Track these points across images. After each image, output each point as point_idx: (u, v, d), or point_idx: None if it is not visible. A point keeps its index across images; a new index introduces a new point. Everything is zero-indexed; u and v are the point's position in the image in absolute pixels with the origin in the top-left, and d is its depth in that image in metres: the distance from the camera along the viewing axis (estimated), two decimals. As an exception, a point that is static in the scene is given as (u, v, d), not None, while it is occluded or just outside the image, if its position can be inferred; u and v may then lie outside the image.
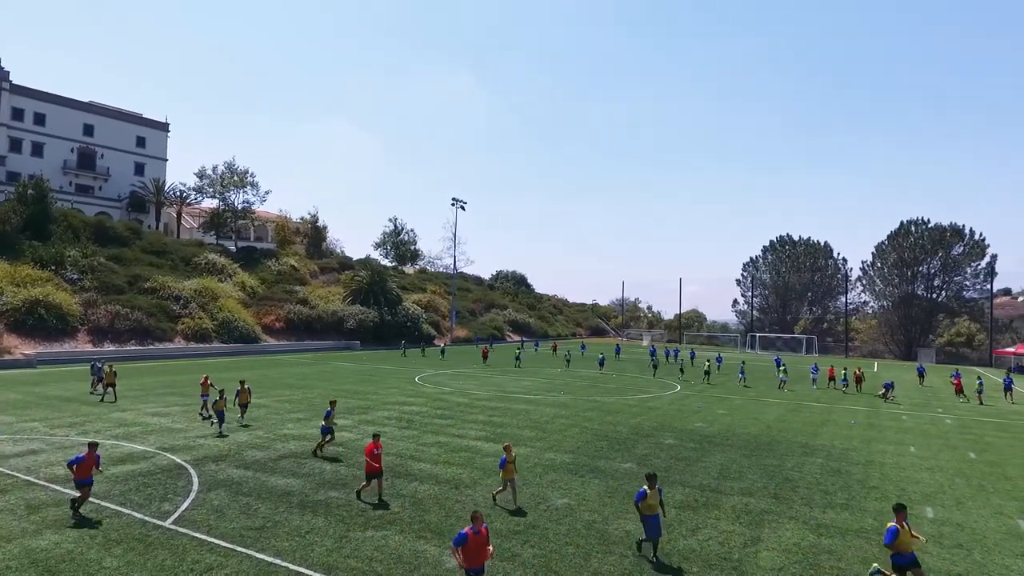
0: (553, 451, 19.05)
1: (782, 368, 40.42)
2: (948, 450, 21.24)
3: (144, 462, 16.49)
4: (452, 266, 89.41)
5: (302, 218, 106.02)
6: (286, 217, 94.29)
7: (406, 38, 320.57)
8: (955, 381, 36.72)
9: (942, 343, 76.32)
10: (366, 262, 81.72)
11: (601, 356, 50.02)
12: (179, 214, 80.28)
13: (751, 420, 26.08)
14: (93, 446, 12.82)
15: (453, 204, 79.34)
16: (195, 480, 14.94)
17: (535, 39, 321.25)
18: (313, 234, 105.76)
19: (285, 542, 11.23)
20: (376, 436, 14.06)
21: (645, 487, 11.05)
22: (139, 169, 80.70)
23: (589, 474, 16.45)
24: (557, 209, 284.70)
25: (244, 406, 22.11)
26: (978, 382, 35.61)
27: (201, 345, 51.06)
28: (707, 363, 44.63)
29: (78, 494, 12.44)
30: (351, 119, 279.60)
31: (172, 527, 11.84)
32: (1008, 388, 33.60)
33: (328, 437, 17.83)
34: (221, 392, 21.13)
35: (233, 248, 75.20)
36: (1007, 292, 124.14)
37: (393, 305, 71.11)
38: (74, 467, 12.38)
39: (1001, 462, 19.61)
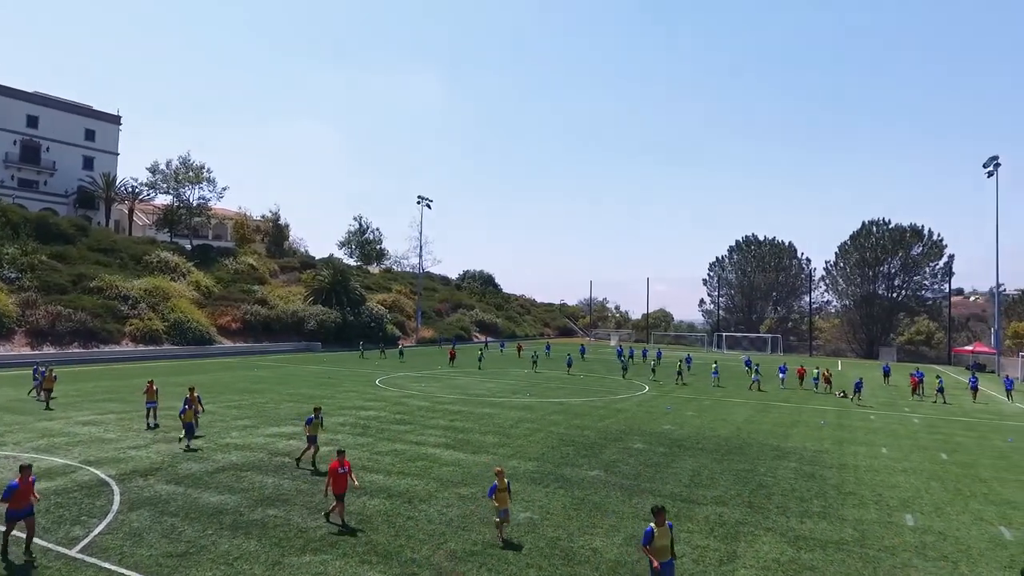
0: (517, 458, 17.96)
1: (755, 368, 40.00)
2: (919, 451, 20.82)
3: (62, 478, 14.85)
4: (418, 265, 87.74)
5: (263, 216, 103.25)
6: (245, 215, 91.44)
7: (375, 38, 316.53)
8: (911, 379, 36.64)
9: (902, 342, 77.70)
10: (328, 261, 79.52)
11: (568, 357, 49.22)
12: (131, 211, 76.92)
13: (720, 422, 25.42)
14: (26, 469, 10.72)
15: (419, 202, 77.83)
16: (116, 498, 13.42)
17: (505, 38, 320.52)
18: (275, 232, 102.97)
19: (208, 571, 9.89)
20: (341, 452, 12.50)
21: (652, 524, 8.90)
22: (88, 163, 77.04)
23: (554, 483, 15.40)
24: (525, 209, 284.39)
25: (194, 415, 20.04)
26: (938, 380, 35.67)
27: (151, 347, 48.60)
28: (679, 363, 44.19)
29: (12, 530, 10.47)
30: (318, 118, 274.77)
31: (78, 556, 10.38)
32: (974, 387, 33.69)
33: (313, 448, 16.39)
34: (187, 400, 19.26)
35: (188, 246, 72.27)
36: (959, 292, 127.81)
37: (356, 305, 69.21)
38: (8, 497, 10.32)
39: (973, 463, 19.22)
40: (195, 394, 20.17)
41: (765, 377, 43.07)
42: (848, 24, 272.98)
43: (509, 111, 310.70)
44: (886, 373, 40.50)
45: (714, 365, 43.38)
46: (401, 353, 54.11)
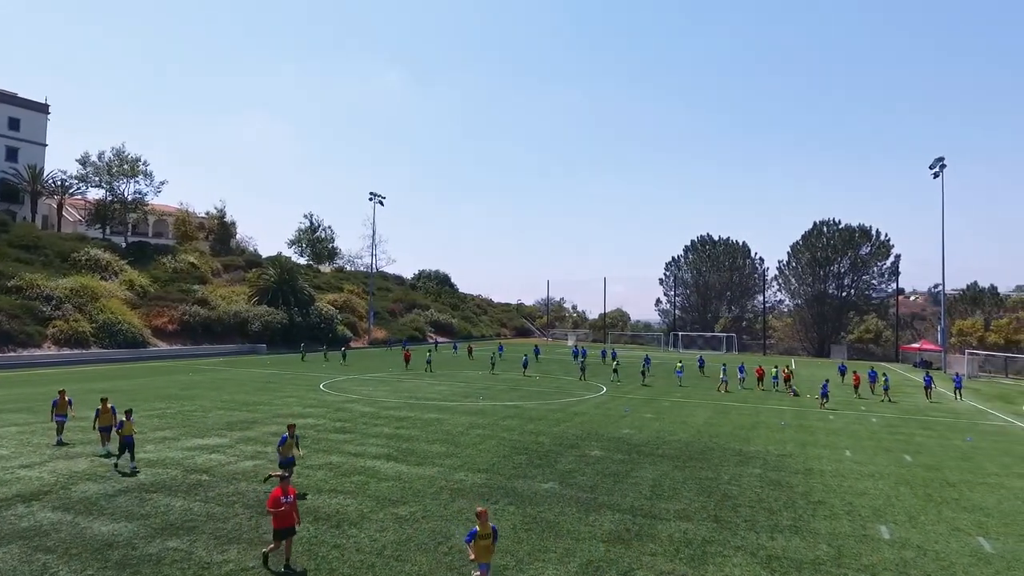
0: (465, 470, 16.43)
1: (722, 368, 39.14)
2: (883, 453, 20.16)
3: (-76, 507, 12.62)
4: (371, 264, 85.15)
5: (208, 213, 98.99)
6: (187, 211, 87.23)
7: (334, 32, 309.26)
8: (855, 377, 36.44)
9: (852, 340, 79.20)
10: (275, 259, 76.22)
11: (524, 358, 47.89)
12: (60, 205, 72.14)
13: (680, 425, 24.42)
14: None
15: (371, 199, 75.32)
16: (-16, 531, 11.32)
17: (467, 38, 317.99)
18: (220, 230, 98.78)
19: (74, 628, 8.04)
20: (284, 477, 10.49)
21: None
22: (12, 155, 71.76)
23: (504, 499, 13.94)
24: (483, 209, 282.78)
25: (106, 430, 17.22)
26: (884, 379, 35.65)
27: (76, 351, 45.13)
28: (643, 365, 43.68)
29: None
30: (273, 114, 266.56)
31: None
32: (928, 386, 33.69)
33: (287, 472, 11.81)
34: (95, 413, 17.13)
35: (123, 243, 68.15)
36: (900, 292, 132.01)
37: (305, 305, 66.43)
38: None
39: (938, 465, 18.60)
40: (108, 405, 17.69)
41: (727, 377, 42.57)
42: (799, 22, 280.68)
43: (468, 111, 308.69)
44: (842, 372, 40.39)
45: (679, 364, 42.99)
46: (344, 355, 51.24)
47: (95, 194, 70.77)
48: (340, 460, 17.23)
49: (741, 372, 38.79)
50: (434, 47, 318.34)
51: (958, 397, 35.05)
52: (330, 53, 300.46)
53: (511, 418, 24.80)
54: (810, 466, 17.97)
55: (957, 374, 37.78)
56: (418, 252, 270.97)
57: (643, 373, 41.41)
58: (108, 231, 70.27)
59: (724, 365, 40.25)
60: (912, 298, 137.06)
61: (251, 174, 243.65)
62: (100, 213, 68.44)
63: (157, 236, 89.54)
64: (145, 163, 68.95)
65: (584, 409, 27.82)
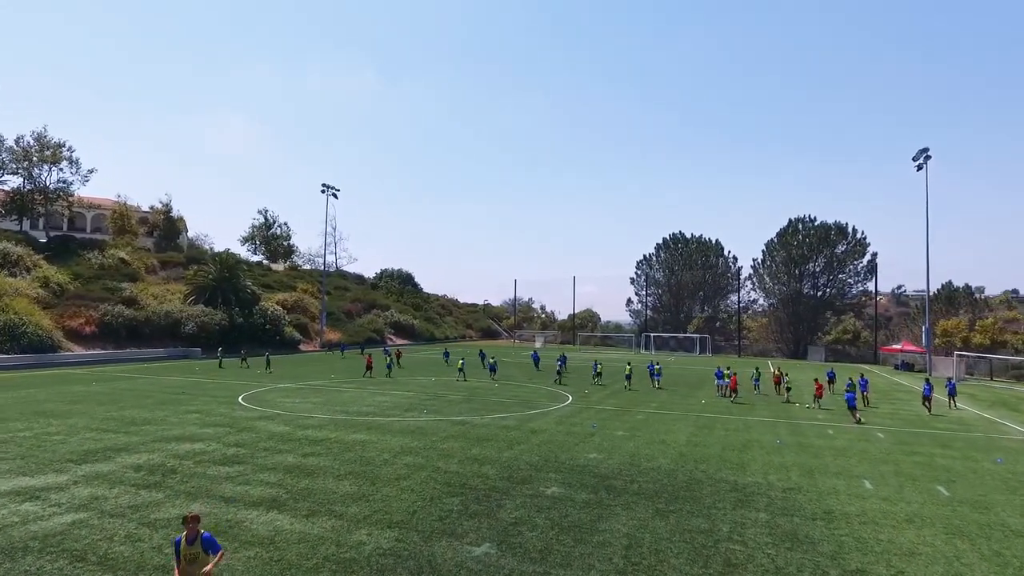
0: (371, 523, 11.95)
1: (726, 372, 34.95)
2: (909, 483, 16.23)
3: None
4: (323, 258, 79.69)
5: (152, 207, 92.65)
6: (126, 204, 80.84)
7: (305, 30, 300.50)
8: (816, 385, 31.12)
9: (829, 341, 76.47)
10: (215, 255, 70.40)
11: (492, 362, 42.61)
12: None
13: (658, 445, 20.26)
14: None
15: (324, 191, 70.03)
16: None
17: (439, 38, 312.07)
18: (166, 225, 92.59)
19: None
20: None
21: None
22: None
23: (411, 580, 9.50)
24: (450, 209, 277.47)
25: None
26: (861, 381, 32.08)
27: (-33, 357, 39.30)
28: (598, 365, 40.23)
29: None
30: (236, 112, 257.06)
31: None
32: (928, 396, 29.79)
33: None
34: None
35: (44, 237, 61.81)
36: (876, 292, 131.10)
37: (248, 305, 60.97)
38: None
39: (985, 502, 14.70)
40: None
41: (699, 383, 38.86)
42: (773, 18, 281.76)
43: (439, 110, 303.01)
44: (831, 379, 36.21)
45: (657, 367, 39.27)
46: (268, 363, 44.39)
47: (14, 182, 64.19)
48: (205, 508, 12.57)
49: (719, 377, 34.86)
50: (404, 45, 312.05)
51: (952, 405, 31.61)
52: (303, 50, 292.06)
53: (454, 439, 20.35)
54: (828, 506, 13.90)
55: (950, 379, 34.35)
56: (383, 252, 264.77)
57: (598, 374, 39.00)
58: (28, 224, 63.74)
59: (720, 368, 36.42)
60: (879, 299, 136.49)
61: (211, 170, 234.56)
62: (16, 203, 61.91)
63: (96, 231, 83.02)
64: (70, 149, 62.68)
65: (544, 425, 23.49)
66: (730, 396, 32.74)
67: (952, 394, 31.65)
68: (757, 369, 39.57)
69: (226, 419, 23.25)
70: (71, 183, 64.08)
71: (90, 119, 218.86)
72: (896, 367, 58.65)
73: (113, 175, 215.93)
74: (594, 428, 23.15)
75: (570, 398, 31.69)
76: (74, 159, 62.85)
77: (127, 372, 40.20)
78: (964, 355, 46.75)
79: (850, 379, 31.14)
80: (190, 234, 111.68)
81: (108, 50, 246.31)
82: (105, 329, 49.27)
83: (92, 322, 48.52)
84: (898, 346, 60.08)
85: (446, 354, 53.25)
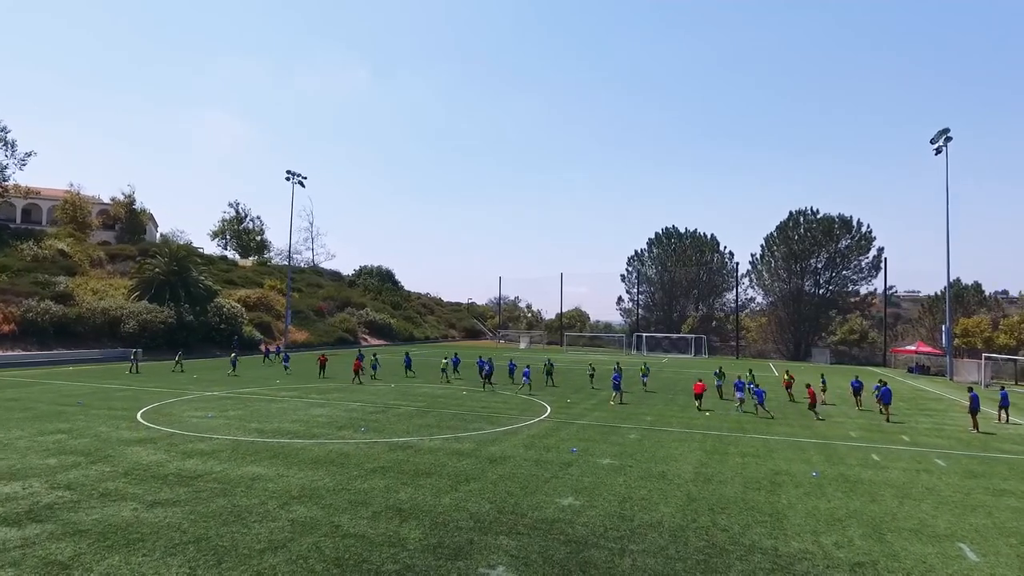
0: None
1: (749, 383, 29.50)
2: (1020, 542, 11.08)
3: None
4: (289, 252, 73.98)
5: (114, 199, 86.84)
6: (78, 193, 74.98)
7: (296, 27, 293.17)
8: (809, 391, 26.81)
9: (835, 342, 71.51)
10: (165, 246, 64.63)
11: (465, 362, 37.30)
12: None
13: (657, 481, 15.02)
14: None
15: (288, 178, 64.36)
16: None
17: (425, 37, 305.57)
18: (129, 219, 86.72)
19: None
20: None
21: None
22: None
23: None
24: (436, 207, 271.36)
25: None
26: (875, 388, 27.03)
27: None
28: (546, 363, 37.96)
29: None
30: (223, 108, 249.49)
31: None
32: (975, 410, 24.38)
33: None
34: None
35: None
36: (885, 289, 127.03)
37: (201, 302, 55.30)
38: None
39: None
40: None
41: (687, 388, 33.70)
42: (766, 9, 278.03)
43: (427, 108, 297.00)
44: (857, 389, 30.62)
45: (645, 367, 35.73)
46: (234, 364, 39.78)
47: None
48: None
49: (718, 382, 29.64)
50: (391, 41, 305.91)
51: (1004, 418, 26.55)
52: (289, 48, 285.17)
53: (382, 473, 15.02)
54: (933, 604, 8.69)
55: (1003, 388, 29.19)
56: (366, 249, 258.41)
57: (549, 373, 36.61)
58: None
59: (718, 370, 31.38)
60: (873, 300, 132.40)
61: (190, 166, 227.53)
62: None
63: (53, 224, 77.00)
64: (5, 130, 56.72)
65: (509, 450, 18.18)
66: (754, 409, 27.05)
67: (1004, 405, 26.57)
68: (751, 371, 35.47)
69: (92, 444, 17.78)
70: (5, 166, 58.19)
71: (76, 113, 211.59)
72: (910, 370, 53.86)
73: (97, 172, 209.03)
74: (574, 453, 17.91)
75: (548, 410, 26.41)
76: (8, 140, 57.03)
77: (37, 377, 34.59)
78: (993, 357, 41.84)
79: (880, 380, 26.07)
80: (164, 230, 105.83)
81: (86, 42, 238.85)
82: (28, 328, 43.56)
83: (11, 319, 42.80)
84: (912, 347, 55.18)
85: (407, 360, 41.77)
